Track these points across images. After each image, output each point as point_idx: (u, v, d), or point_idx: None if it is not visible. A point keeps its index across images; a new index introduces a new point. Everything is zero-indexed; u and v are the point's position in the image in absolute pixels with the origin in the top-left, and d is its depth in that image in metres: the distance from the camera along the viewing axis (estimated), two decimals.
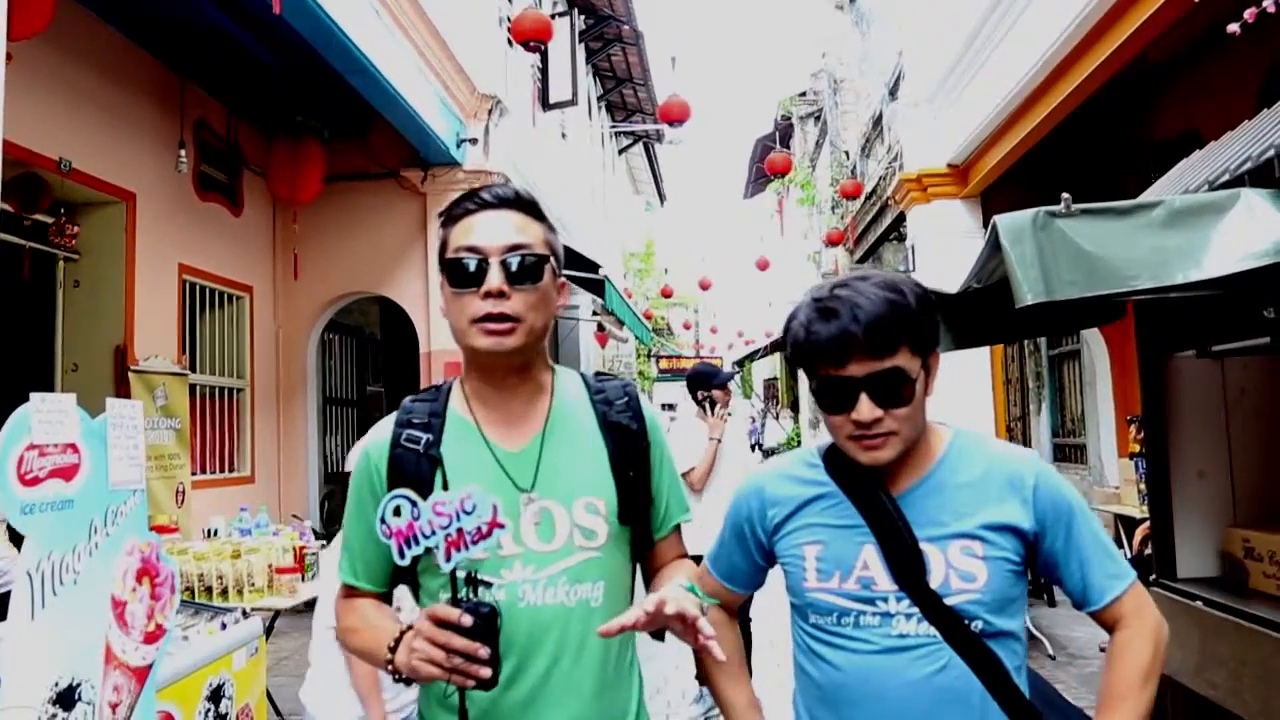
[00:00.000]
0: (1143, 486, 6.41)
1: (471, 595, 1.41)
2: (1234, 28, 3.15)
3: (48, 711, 2.20)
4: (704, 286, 23.72)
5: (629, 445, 1.67)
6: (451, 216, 1.64)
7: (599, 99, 18.19)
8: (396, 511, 1.39)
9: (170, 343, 7.12)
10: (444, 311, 1.65)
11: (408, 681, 1.46)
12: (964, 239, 8.58)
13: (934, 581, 1.53)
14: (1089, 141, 7.72)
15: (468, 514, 1.38)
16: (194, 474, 7.23)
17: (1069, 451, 9.71)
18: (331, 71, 6.29)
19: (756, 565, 1.78)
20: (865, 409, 1.51)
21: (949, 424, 1.68)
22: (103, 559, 2.44)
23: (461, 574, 1.41)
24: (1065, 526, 1.57)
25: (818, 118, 19.52)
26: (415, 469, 1.57)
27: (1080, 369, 9.41)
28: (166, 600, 2.71)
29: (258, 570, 4.28)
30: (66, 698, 2.26)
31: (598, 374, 1.78)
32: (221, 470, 8.01)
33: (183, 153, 7.11)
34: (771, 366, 31.57)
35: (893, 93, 10.63)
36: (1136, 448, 6.82)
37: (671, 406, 33.57)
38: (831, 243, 14.48)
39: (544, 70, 11.49)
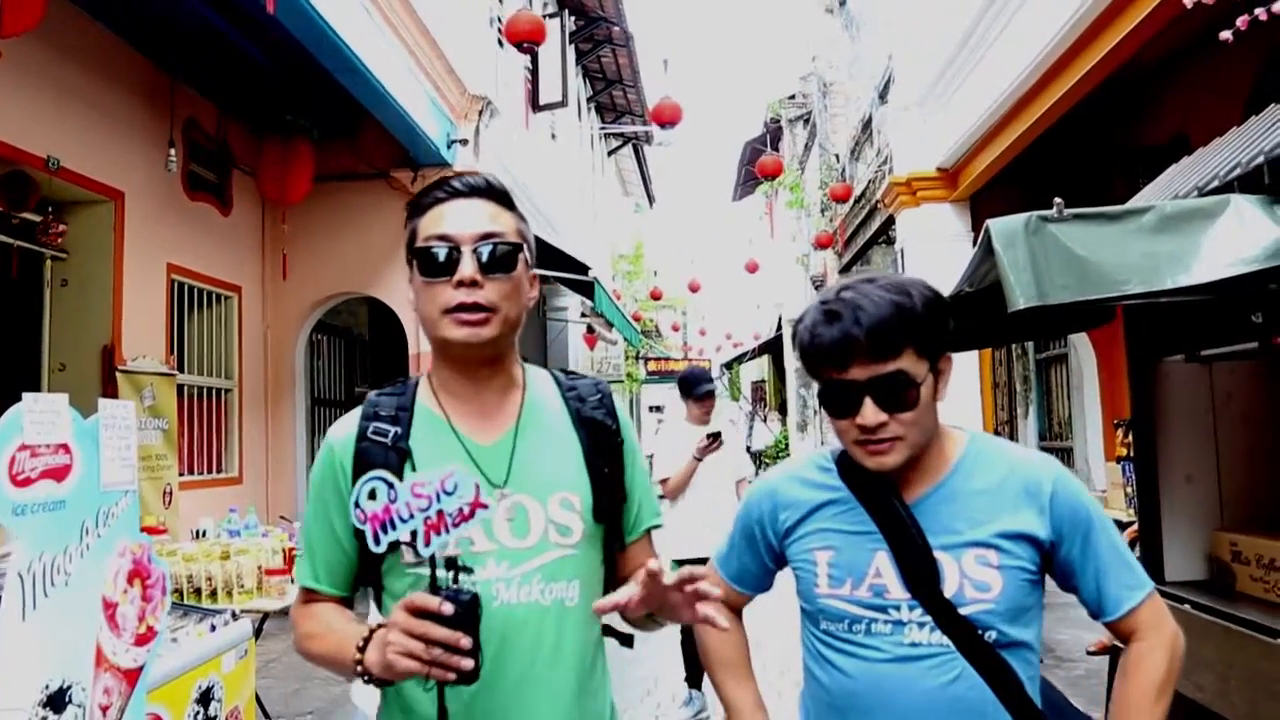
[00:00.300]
0: (1129, 490, 6.44)
1: (451, 582, 1.33)
2: (1226, 34, 3.18)
3: (38, 714, 2.19)
4: (693, 289, 23.75)
5: (603, 441, 1.64)
6: (420, 205, 1.61)
7: (589, 100, 18.20)
8: (372, 495, 1.33)
9: (158, 343, 7.08)
10: (413, 303, 1.61)
11: (378, 683, 1.39)
12: (953, 243, 8.63)
13: (948, 590, 1.51)
14: (1078, 146, 7.77)
15: (448, 494, 1.32)
16: (181, 475, 7.19)
17: (1056, 455, 9.70)
18: (322, 71, 6.27)
19: (766, 568, 1.76)
20: (869, 413, 1.49)
21: (965, 428, 1.66)
22: (94, 560, 2.42)
23: (442, 560, 1.34)
24: (1083, 535, 1.54)
25: (807, 120, 19.55)
26: (383, 462, 1.50)
27: (1067, 373, 9.45)
28: (158, 602, 2.69)
29: (247, 572, 4.26)
30: (57, 700, 2.25)
31: (567, 372, 1.75)
32: (209, 471, 7.97)
33: (172, 152, 7.07)
34: (759, 369, 31.62)
35: (882, 96, 10.67)
36: (1123, 451, 6.85)
37: (659, 409, 33.63)
38: (820, 246, 14.52)
39: (534, 71, 11.49)
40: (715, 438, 5.16)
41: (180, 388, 7.31)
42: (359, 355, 11.02)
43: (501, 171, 9.01)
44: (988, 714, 1.50)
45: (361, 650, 1.37)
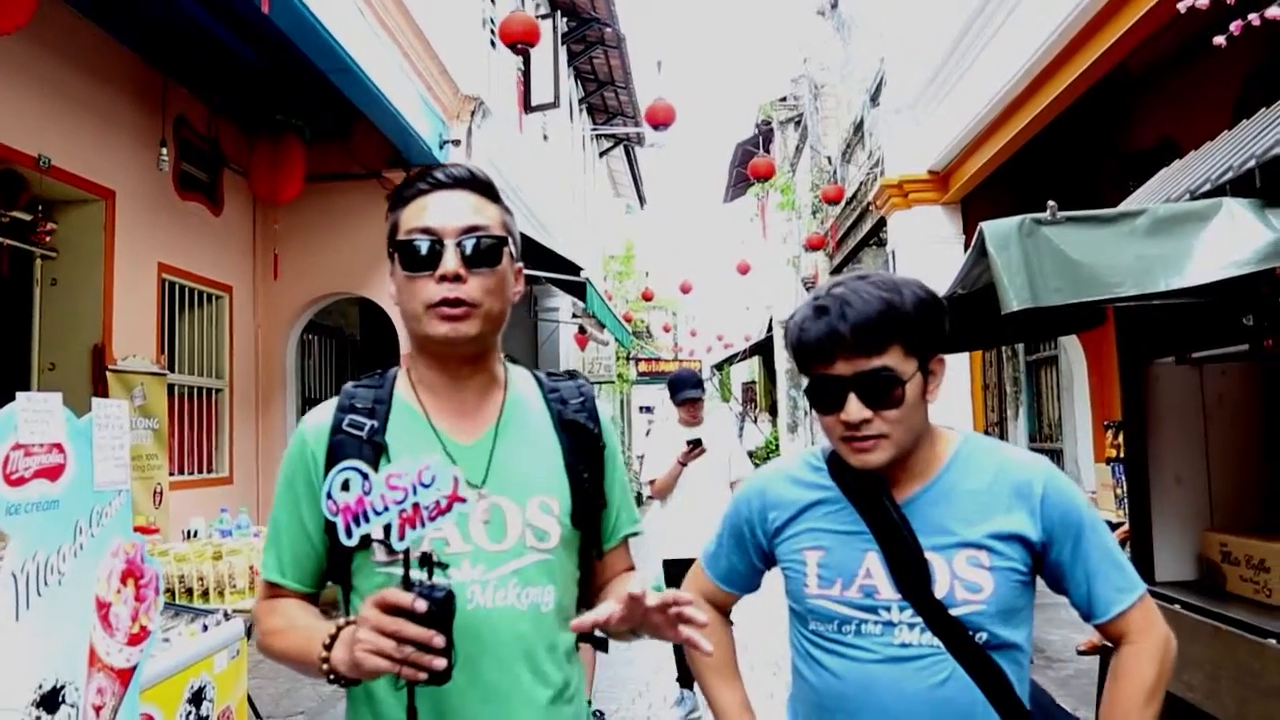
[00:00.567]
0: (1119, 491, 6.48)
1: (426, 579, 1.27)
2: (1220, 40, 3.20)
3: (31, 714, 2.18)
4: (685, 290, 23.76)
5: (585, 445, 1.60)
6: (403, 197, 1.55)
7: (580, 101, 18.20)
8: (345, 486, 1.27)
9: (149, 342, 7.06)
10: (394, 297, 1.56)
11: (345, 683, 1.33)
12: (944, 245, 8.66)
13: (939, 591, 1.50)
14: (1068, 149, 7.81)
15: (425, 487, 1.26)
16: (172, 475, 7.16)
17: (1045, 456, 9.79)
18: (314, 71, 6.25)
19: (755, 568, 1.74)
20: (853, 409, 1.48)
21: (957, 429, 1.65)
22: (87, 560, 2.42)
23: (416, 555, 1.28)
24: (1074, 537, 1.53)
25: (798, 123, 19.59)
26: (357, 456, 1.43)
27: (1057, 375, 9.50)
28: (151, 602, 2.69)
29: (239, 571, 4.25)
30: (50, 700, 2.24)
31: (550, 373, 1.71)
32: (200, 471, 7.94)
33: (164, 151, 7.04)
34: (750, 370, 31.67)
35: (874, 99, 10.70)
36: (1113, 453, 6.89)
37: (649, 409, 33.64)
38: (812, 247, 14.55)
39: (526, 72, 11.49)
40: (695, 444, 5.19)
41: (171, 387, 7.28)
42: (350, 356, 10.99)
43: (494, 172, 8.99)
44: (977, 715, 1.49)
45: (328, 648, 1.32)
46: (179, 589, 4.21)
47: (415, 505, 1.26)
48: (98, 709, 2.43)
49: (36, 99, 5.86)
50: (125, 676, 2.57)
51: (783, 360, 20.89)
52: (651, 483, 5.42)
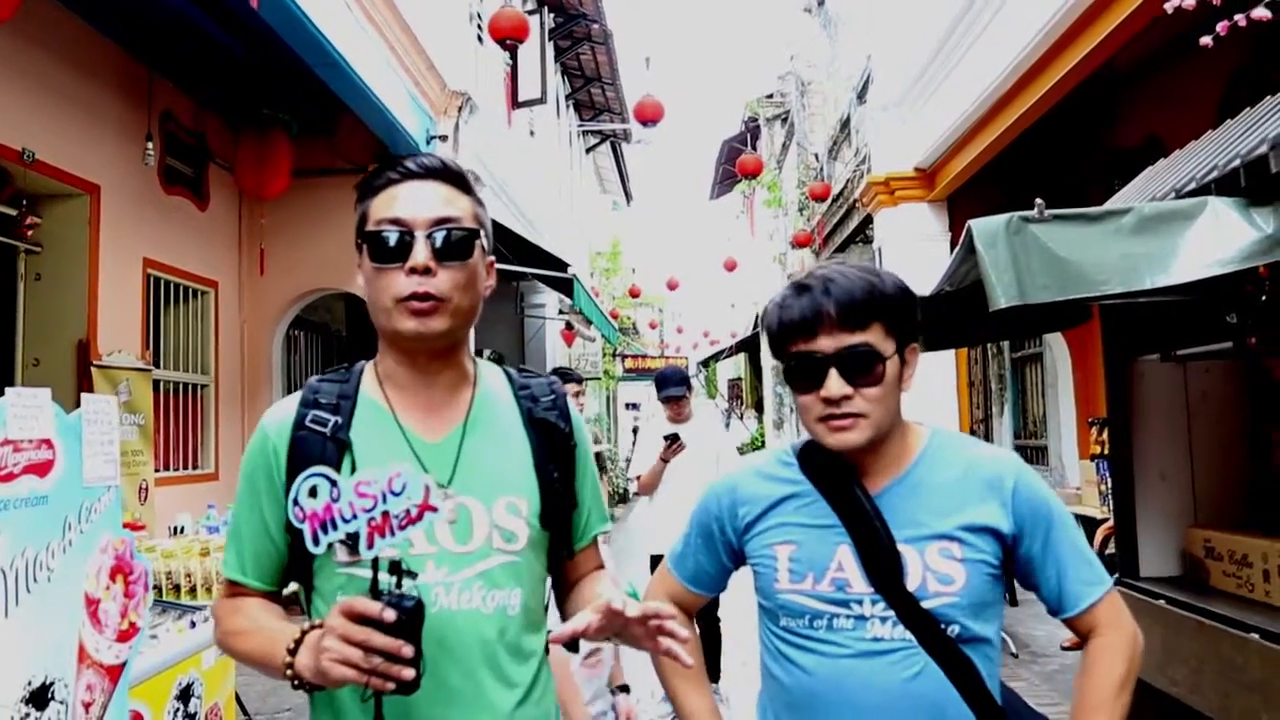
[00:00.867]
0: (1103, 488, 6.53)
1: (394, 587, 1.24)
2: (1207, 40, 3.23)
3: (20, 710, 2.18)
4: (671, 287, 23.78)
5: (555, 444, 1.56)
6: (372, 186, 1.50)
7: (567, 98, 18.17)
8: (313, 492, 1.24)
9: (134, 338, 7.01)
10: (361, 289, 1.52)
11: (308, 689, 1.29)
12: (930, 242, 8.71)
13: (911, 584, 1.49)
14: (1054, 147, 7.85)
15: (395, 495, 1.23)
16: (157, 471, 7.12)
17: (1030, 453, 9.87)
18: (301, 65, 6.22)
19: (723, 567, 1.72)
20: (834, 384, 1.47)
21: (926, 423, 1.65)
22: (77, 556, 2.41)
23: (384, 563, 1.24)
24: (1044, 531, 1.54)
25: (784, 120, 19.63)
26: (320, 453, 1.42)
27: (1042, 372, 9.56)
28: (140, 598, 2.68)
29: None
30: (40, 696, 2.24)
31: (521, 370, 1.67)
32: (185, 467, 7.90)
33: (149, 145, 6.99)
34: (736, 367, 31.72)
35: (861, 96, 10.73)
36: (1097, 449, 6.95)
37: (635, 406, 33.64)
38: (798, 244, 14.59)
39: (513, 68, 11.46)
40: (673, 440, 5.22)
41: (156, 383, 7.23)
42: (336, 351, 10.96)
43: (480, 167, 8.98)
44: (949, 710, 1.48)
45: (293, 653, 1.29)
46: (166, 585, 4.18)
47: (385, 514, 1.23)
48: (87, 705, 2.42)
49: (21, 93, 5.81)
50: (114, 673, 2.56)
51: (769, 357, 20.90)
52: (637, 478, 5.49)
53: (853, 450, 1.52)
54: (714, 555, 1.71)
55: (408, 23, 7.60)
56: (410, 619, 1.21)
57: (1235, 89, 5.59)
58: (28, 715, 2.20)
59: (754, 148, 19.51)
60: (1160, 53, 6.25)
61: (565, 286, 10.35)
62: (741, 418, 25.71)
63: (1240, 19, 3.10)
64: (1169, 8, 3.26)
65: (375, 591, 1.23)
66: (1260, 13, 3.06)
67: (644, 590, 1.85)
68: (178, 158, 7.72)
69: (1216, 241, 2.77)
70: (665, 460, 5.20)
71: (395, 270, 1.43)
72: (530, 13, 12.19)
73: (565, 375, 6.37)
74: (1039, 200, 2.88)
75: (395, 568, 1.25)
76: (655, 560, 5.22)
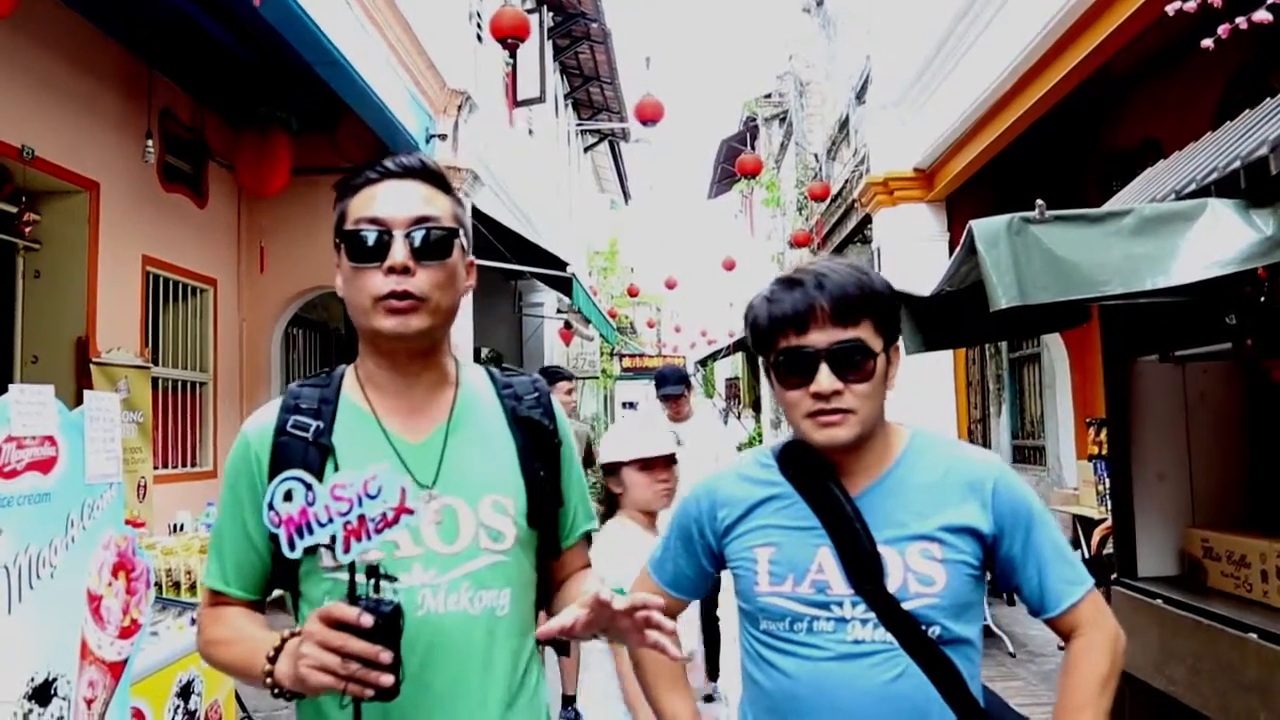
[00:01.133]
0: (1101, 488, 6.55)
1: (372, 592, 1.23)
2: (1208, 42, 3.23)
3: (24, 707, 2.18)
4: (669, 286, 23.80)
5: (540, 442, 1.55)
6: (350, 186, 1.50)
7: (565, 96, 18.18)
8: (288, 496, 1.22)
9: (133, 335, 7.01)
10: (340, 289, 1.51)
11: (288, 697, 1.28)
12: (929, 242, 8.71)
13: (891, 585, 1.48)
14: (1053, 148, 7.87)
15: (371, 498, 1.21)
16: (156, 468, 7.12)
17: (1028, 453, 9.88)
18: (300, 63, 6.21)
19: (703, 570, 1.70)
20: (825, 379, 1.46)
21: (907, 424, 1.65)
22: (79, 553, 2.41)
23: (361, 567, 1.24)
24: (1024, 531, 1.54)
25: (783, 119, 19.64)
26: (302, 458, 1.41)
27: (1040, 372, 9.57)
28: (142, 595, 2.69)
29: None
30: (42, 693, 2.24)
31: (503, 368, 1.67)
32: (183, 465, 7.90)
33: (149, 143, 6.99)
34: (733, 366, 31.75)
35: (859, 96, 10.74)
36: (1095, 450, 6.96)
37: (633, 405, 33.64)
38: (797, 244, 14.59)
39: (512, 67, 11.47)
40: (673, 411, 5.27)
41: (155, 381, 7.23)
42: (334, 349, 10.96)
43: (480, 166, 8.99)
44: (931, 712, 1.48)
45: (272, 660, 1.28)
46: (166, 583, 4.19)
47: (361, 517, 1.22)
48: (89, 702, 2.42)
49: (20, 89, 5.81)
50: (116, 670, 2.56)
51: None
52: None
53: (836, 449, 1.52)
54: (694, 559, 1.69)
55: (408, 21, 7.60)
56: (388, 624, 1.20)
57: (1233, 92, 5.61)
58: (30, 711, 2.20)
59: (752, 147, 19.52)
60: (1158, 55, 6.27)
61: (564, 285, 10.36)
62: (739, 417, 25.73)
63: (1242, 21, 3.11)
64: (1170, 10, 3.27)
65: (353, 596, 1.22)
66: (1262, 15, 3.07)
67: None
68: (177, 155, 7.72)
69: (1216, 243, 2.77)
70: None
71: (373, 270, 1.43)
72: (530, 12, 12.20)
73: (556, 373, 6.38)
74: (1040, 201, 2.89)
75: (372, 572, 1.24)
76: None
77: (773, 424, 21.27)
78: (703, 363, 29.98)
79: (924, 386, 8.43)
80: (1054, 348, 9.00)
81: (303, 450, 1.44)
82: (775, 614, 1.54)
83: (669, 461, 2.84)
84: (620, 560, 2.24)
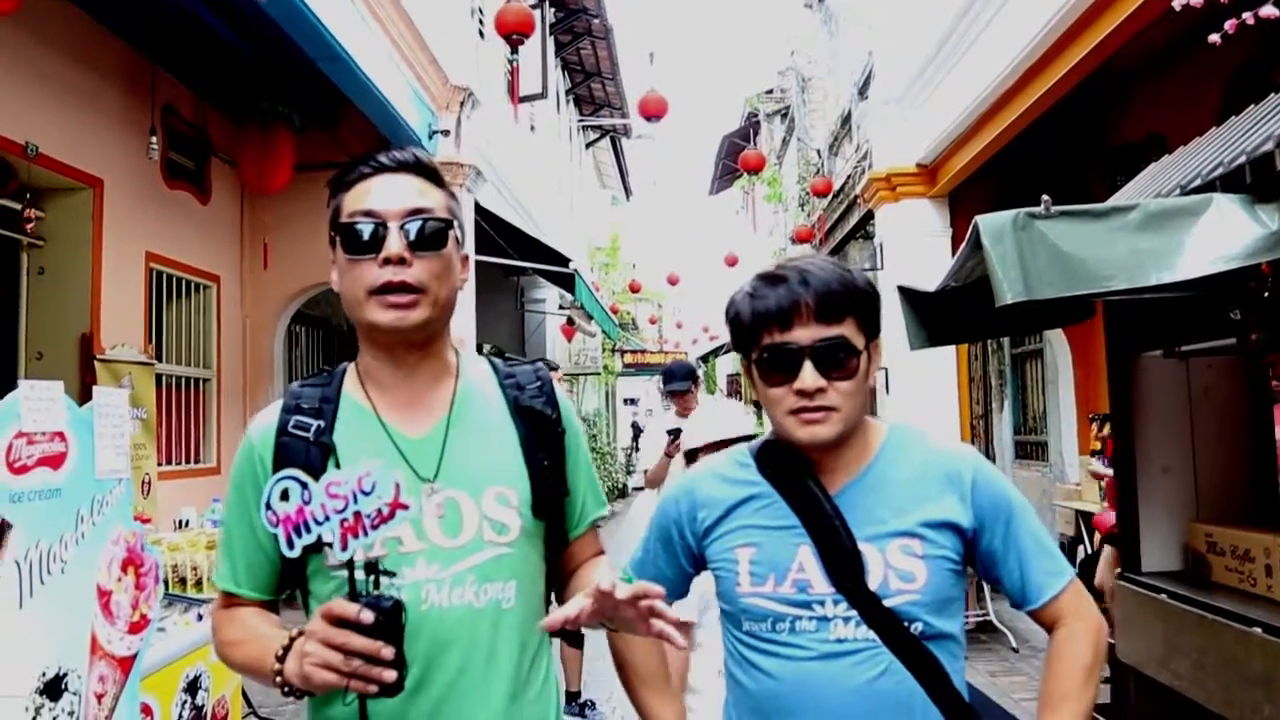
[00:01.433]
0: (1103, 483, 6.55)
1: (372, 588, 1.24)
2: (1215, 38, 3.24)
3: (35, 701, 2.19)
4: (672, 282, 23.79)
5: (543, 432, 1.55)
6: (345, 181, 1.51)
7: (567, 93, 18.17)
8: (284, 496, 1.23)
9: (136, 331, 7.02)
10: (335, 284, 1.52)
11: (298, 695, 1.28)
12: (932, 238, 8.72)
13: (872, 582, 1.48)
14: (1056, 143, 7.86)
15: (366, 495, 1.22)
16: (159, 465, 7.14)
17: (1030, 449, 9.89)
18: (303, 59, 6.22)
19: (683, 572, 1.69)
20: (809, 376, 1.45)
21: (884, 420, 1.64)
22: (89, 548, 2.42)
23: (360, 564, 1.24)
24: (1004, 524, 1.53)
25: (784, 115, 19.63)
26: (304, 458, 1.41)
27: (1042, 368, 9.57)
28: (150, 590, 2.70)
29: None
30: (54, 687, 2.25)
31: (506, 358, 1.66)
32: (187, 461, 7.92)
33: (153, 139, 6.99)
34: (734, 363, 31.74)
35: (862, 92, 10.73)
36: (1098, 445, 6.96)
37: (634, 401, 33.63)
38: (800, 240, 14.59)
39: (514, 63, 11.46)
40: (675, 435, 5.25)
41: (158, 377, 7.25)
42: (337, 346, 10.97)
43: (482, 162, 8.99)
44: (915, 708, 1.47)
45: (281, 659, 1.29)
46: (172, 578, 4.20)
47: (356, 514, 1.22)
48: (99, 696, 2.44)
49: (24, 86, 5.81)
50: (126, 664, 2.58)
51: None
52: (645, 471, 5.59)
53: (817, 447, 1.51)
54: (674, 560, 1.68)
55: (410, 17, 7.60)
56: (389, 619, 1.20)
57: (1236, 87, 5.61)
58: (42, 706, 2.21)
59: (754, 143, 19.51)
60: (1162, 50, 6.26)
61: (567, 281, 10.36)
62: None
63: (1248, 17, 3.11)
64: (1177, 4, 3.27)
65: (353, 593, 1.23)
66: (1269, 10, 3.07)
67: None
68: (180, 152, 7.73)
69: (1222, 238, 2.78)
70: (670, 455, 5.24)
71: (369, 261, 1.43)
72: (532, 7, 12.19)
73: (544, 365, 6.44)
74: (1045, 197, 2.89)
75: (371, 568, 1.24)
76: None
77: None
78: (704, 359, 29.98)
79: (926, 383, 8.45)
80: (1056, 343, 9.00)
81: (304, 450, 1.44)
82: (757, 615, 1.53)
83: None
84: None
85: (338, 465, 1.42)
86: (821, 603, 1.49)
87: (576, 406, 9.32)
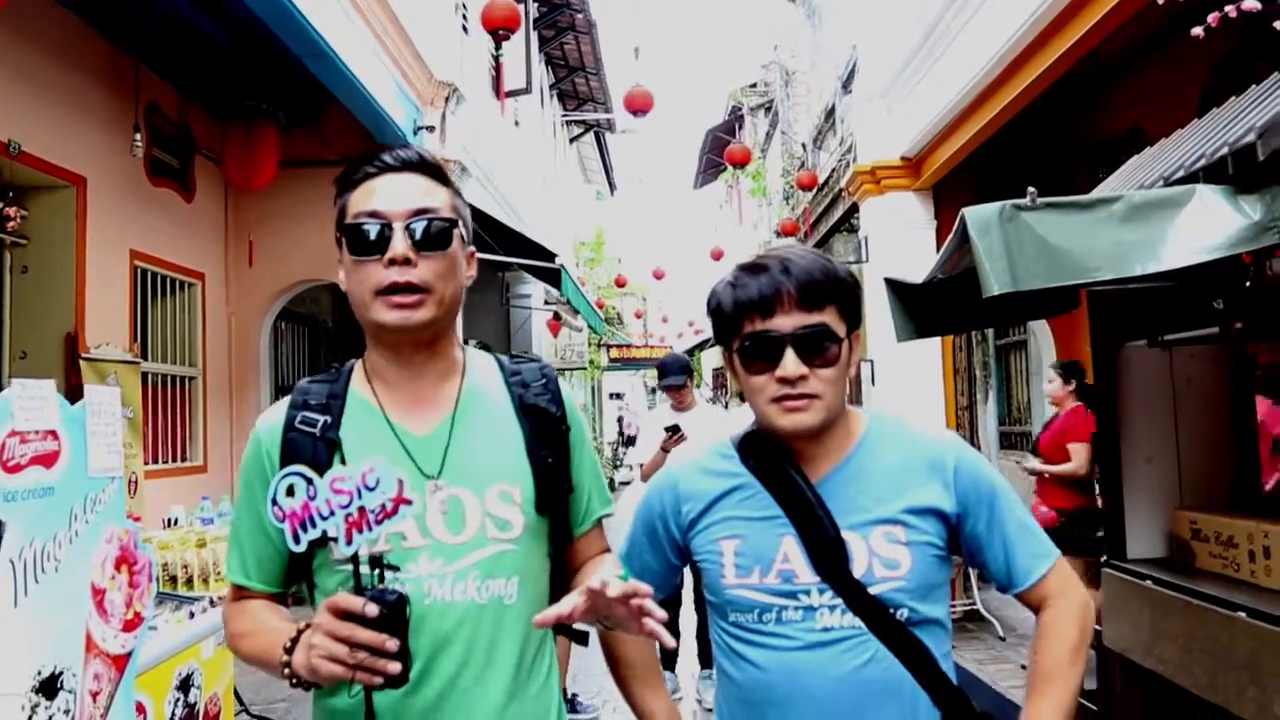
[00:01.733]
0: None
1: (377, 582, 1.26)
2: (1198, 31, 3.27)
3: (31, 699, 2.19)
4: (657, 276, 23.81)
5: (547, 429, 1.56)
6: (350, 180, 1.52)
7: (551, 87, 18.13)
8: (290, 491, 1.25)
9: (121, 330, 6.98)
10: (343, 284, 1.52)
11: (305, 687, 1.31)
12: (916, 231, 8.77)
13: (857, 570, 1.48)
14: (1039, 136, 7.91)
15: (370, 490, 1.24)
16: (146, 464, 7.11)
17: (1015, 439, 9.95)
18: (287, 55, 6.20)
19: (670, 564, 1.70)
20: (791, 364, 1.46)
21: (865, 409, 1.65)
22: (83, 547, 2.42)
23: (365, 558, 1.26)
24: (988, 508, 1.54)
25: (768, 109, 19.65)
26: (311, 454, 1.44)
27: (1026, 359, 9.63)
28: (144, 588, 2.70)
29: (223, 559, 4.23)
30: (49, 686, 2.25)
31: (512, 356, 1.69)
32: (173, 460, 7.88)
33: (137, 137, 6.95)
34: (719, 356, 31.79)
35: (846, 86, 10.76)
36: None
37: (619, 396, 33.63)
38: (785, 233, 14.62)
39: (497, 58, 11.43)
40: (674, 431, 5.27)
41: (144, 376, 7.21)
42: (323, 343, 10.93)
43: (467, 159, 8.98)
44: (904, 694, 1.48)
45: (289, 651, 1.31)
46: (163, 577, 4.20)
47: (361, 509, 1.24)
48: (94, 694, 2.43)
49: (5, 83, 5.76)
50: (120, 662, 2.57)
51: None
52: (641, 465, 5.63)
53: (799, 435, 1.52)
54: (659, 554, 1.69)
55: (394, 12, 7.58)
56: (394, 612, 1.23)
57: (1217, 79, 5.65)
58: (38, 704, 2.21)
59: (738, 137, 19.52)
60: (1144, 43, 6.30)
61: (552, 277, 10.34)
62: (726, 406, 25.80)
63: (1231, 10, 3.14)
64: None
65: (358, 587, 1.25)
66: (1250, 3, 3.11)
67: None
68: (164, 149, 7.69)
69: (1205, 229, 2.82)
70: (665, 450, 5.25)
71: (374, 262, 1.44)
72: (517, 1, 12.17)
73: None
74: (1031, 189, 2.92)
75: (376, 562, 1.27)
76: None
77: None
78: (690, 353, 30.00)
79: (912, 374, 8.50)
80: (1040, 335, 9.05)
81: (311, 445, 1.47)
82: (743, 606, 1.54)
83: None
84: None
85: (343, 461, 1.44)
86: (807, 592, 1.50)
87: None
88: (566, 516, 1.60)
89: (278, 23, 5.71)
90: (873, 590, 1.48)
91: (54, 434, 2.33)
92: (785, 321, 1.47)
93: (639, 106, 10.41)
